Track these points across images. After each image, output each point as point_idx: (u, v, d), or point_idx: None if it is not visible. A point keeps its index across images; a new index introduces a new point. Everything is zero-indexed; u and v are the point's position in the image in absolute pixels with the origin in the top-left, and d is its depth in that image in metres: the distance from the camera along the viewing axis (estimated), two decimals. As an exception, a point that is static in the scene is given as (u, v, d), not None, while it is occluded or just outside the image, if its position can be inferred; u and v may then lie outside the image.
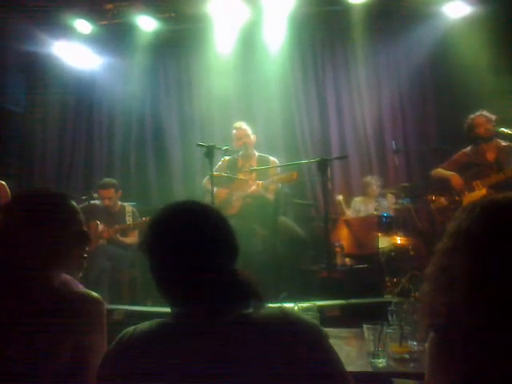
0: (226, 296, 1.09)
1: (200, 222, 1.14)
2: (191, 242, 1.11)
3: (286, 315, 1.11)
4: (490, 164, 4.26)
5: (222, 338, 1.06)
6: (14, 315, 1.24)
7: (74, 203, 1.45)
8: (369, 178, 5.29)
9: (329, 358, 1.09)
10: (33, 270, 1.31)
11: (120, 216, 4.91)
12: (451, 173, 4.38)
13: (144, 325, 1.14)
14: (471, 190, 4.26)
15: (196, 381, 1.03)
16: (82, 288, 1.38)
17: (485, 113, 4.31)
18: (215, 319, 1.08)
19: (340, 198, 5.24)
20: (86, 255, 1.45)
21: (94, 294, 1.34)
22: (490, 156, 4.29)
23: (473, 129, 4.35)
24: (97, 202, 4.87)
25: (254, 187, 4.32)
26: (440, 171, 4.48)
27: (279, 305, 2.04)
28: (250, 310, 1.10)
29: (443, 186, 4.40)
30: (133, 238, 4.83)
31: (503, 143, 4.28)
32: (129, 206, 5.00)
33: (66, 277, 1.38)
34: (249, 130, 4.62)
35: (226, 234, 1.16)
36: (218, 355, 1.04)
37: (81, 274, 1.45)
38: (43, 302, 1.26)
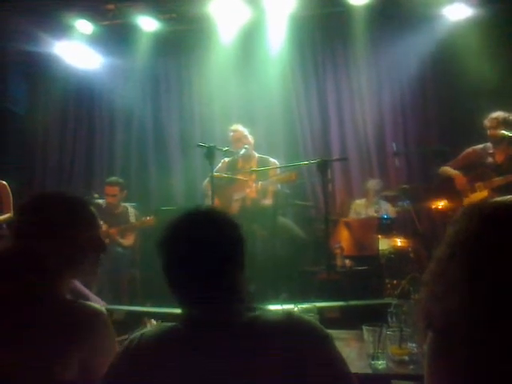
0: (233, 298, 1.12)
1: (217, 230, 1.17)
2: (207, 247, 1.13)
3: (290, 318, 1.14)
4: (496, 166, 4.23)
5: (230, 342, 1.07)
6: (18, 323, 1.21)
7: (93, 208, 1.44)
8: (370, 182, 5.27)
9: (333, 360, 1.10)
10: (46, 276, 1.28)
11: (123, 217, 4.91)
12: (456, 172, 4.34)
13: (150, 331, 1.14)
14: (473, 191, 4.25)
15: None
16: (87, 293, 1.35)
17: (495, 115, 4.19)
18: (222, 323, 1.10)
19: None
20: (99, 261, 1.43)
21: (97, 306, 1.30)
22: (499, 158, 4.26)
23: (485, 129, 4.27)
24: (99, 201, 4.88)
25: (247, 190, 4.31)
26: (446, 169, 4.43)
27: (280, 307, 2.04)
28: (257, 313, 1.12)
29: (445, 187, 4.37)
30: (130, 241, 4.83)
31: None
32: (131, 208, 5.01)
33: (75, 282, 1.36)
34: (246, 132, 4.62)
35: (238, 241, 1.19)
36: (226, 360, 1.05)
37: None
38: (50, 314, 1.23)
